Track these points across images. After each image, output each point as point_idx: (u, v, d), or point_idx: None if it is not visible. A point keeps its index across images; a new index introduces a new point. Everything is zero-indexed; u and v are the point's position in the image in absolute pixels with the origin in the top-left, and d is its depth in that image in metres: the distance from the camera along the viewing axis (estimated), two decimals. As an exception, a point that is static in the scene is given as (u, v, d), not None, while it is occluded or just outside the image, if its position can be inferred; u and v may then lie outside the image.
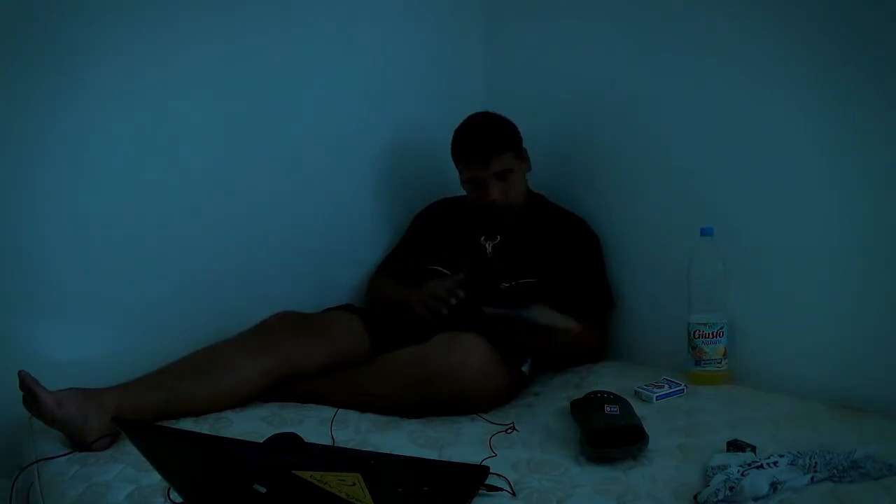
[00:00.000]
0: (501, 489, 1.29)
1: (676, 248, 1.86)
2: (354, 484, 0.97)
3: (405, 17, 2.32)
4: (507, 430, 1.57)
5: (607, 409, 1.47)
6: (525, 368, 1.88)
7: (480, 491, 1.26)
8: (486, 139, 2.02)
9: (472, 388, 1.69)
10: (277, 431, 1.47)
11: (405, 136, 2.32)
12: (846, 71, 1.57)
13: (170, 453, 1.09)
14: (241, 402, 1.77)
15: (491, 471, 1.30)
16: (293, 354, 1.81)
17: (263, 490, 0.96)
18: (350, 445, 1.54)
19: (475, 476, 1.28)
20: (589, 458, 1.40)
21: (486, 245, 2.08)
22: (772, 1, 1.71)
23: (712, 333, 1.76)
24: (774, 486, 1.22)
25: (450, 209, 2.20)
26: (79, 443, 1.56)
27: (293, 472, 0.95)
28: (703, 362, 1.77)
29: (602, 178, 2.12)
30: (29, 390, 1.53)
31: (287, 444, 1.36)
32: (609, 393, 1.55)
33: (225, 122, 2.07)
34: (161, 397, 1.67)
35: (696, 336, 1.77)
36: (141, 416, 1.62)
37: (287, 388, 1.81)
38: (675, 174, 1.92)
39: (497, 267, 2.04)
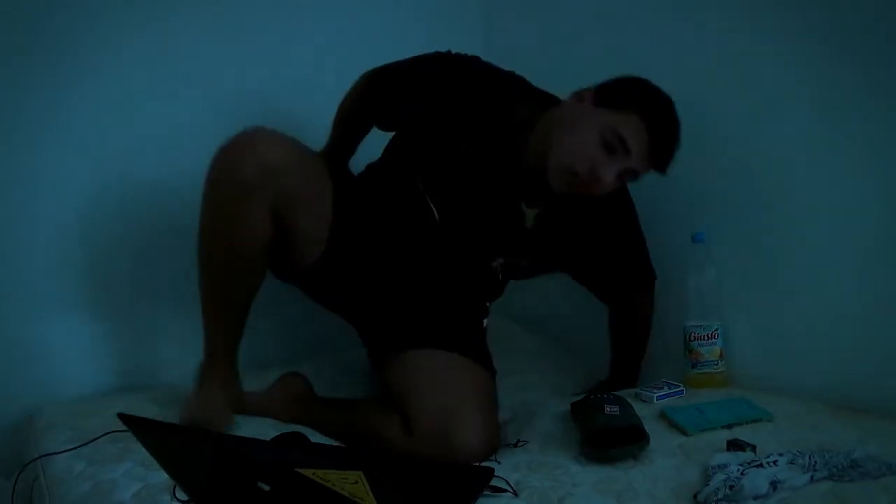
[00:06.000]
0: (504, 490, 1.29)
1: (669, 254, 1.86)
2: (357, 482, 0.98)
3: (405, 16, 2.33)
4: (515, 444, 1.53)
5: (607, 409, 1.48)
6: None
7: (484, 492, 1.27)
8: (672, 143, 1.65)
9: (473, 460, 1.47)
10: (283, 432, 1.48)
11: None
12: (844, 73, 1.58)
13: (175, 451, 1.10)
14: (260, 251, 1.57)
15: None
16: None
17: (267, 488, 0.96)
18: (355, 446, 1.54)
19: (480, 477, 1.28)
20: (589, 458, 1.40)
21: (528, 213, 1.72)
22: (769, 3, 1.72)
23: (708, 335, 1.76)
24: (774, 485, 1.22)
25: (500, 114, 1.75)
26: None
27: (296, 469, 0.96)
28: (699, 364, 1.77)
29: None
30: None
31: (292, 443, 1.37)
32: (609, 393, 1.56)
33: (224, 121, 2.06)
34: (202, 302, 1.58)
35: (692, 339, 1.77)
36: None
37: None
38: (666, 179, 1.91)
39: (538, 241, 1.75)
